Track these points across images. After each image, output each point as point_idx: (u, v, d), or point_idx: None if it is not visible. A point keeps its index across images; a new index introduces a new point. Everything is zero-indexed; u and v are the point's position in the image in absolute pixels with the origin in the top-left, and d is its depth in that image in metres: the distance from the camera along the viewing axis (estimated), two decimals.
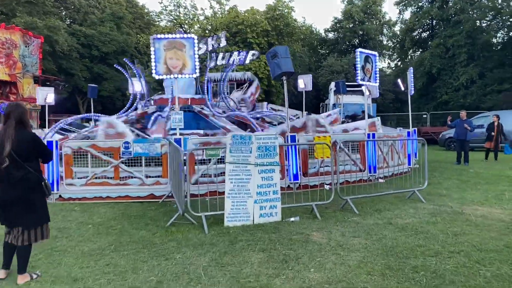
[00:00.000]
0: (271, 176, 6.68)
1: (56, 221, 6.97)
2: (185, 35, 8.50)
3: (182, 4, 47.00)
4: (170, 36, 8.45)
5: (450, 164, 14.86)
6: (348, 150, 10.25)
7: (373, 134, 10.51)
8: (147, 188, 8.50)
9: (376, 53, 10.75)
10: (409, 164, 12.28)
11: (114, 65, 18.59)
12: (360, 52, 10.27)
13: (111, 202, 8.38)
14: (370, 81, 10.52)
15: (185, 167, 8.66)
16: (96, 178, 8.55)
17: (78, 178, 8.86)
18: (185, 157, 8.20)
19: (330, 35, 53.24)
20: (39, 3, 39.64)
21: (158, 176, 8.66)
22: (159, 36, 8.42)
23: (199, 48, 24.71)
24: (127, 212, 7.62)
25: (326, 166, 9.38)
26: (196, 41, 8.46)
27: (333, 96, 27.93)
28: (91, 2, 47.51)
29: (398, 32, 47.72)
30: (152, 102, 16.53)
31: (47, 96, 20.42)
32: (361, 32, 48.52)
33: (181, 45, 8.44)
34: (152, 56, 8.39)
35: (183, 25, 45.70)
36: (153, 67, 8.42)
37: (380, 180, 10.49)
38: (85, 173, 8.69)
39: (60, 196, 8.49)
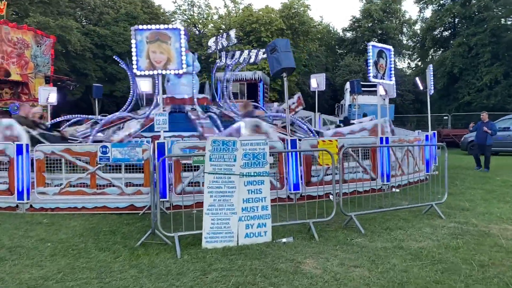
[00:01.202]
0: (259, 189, 5.64)
1: (15, 237, 6.07)
2: (170, 26, 7.52)
3: (196, 3, 46.25)
4: (153, 27, 7.48)
5: (473, 171, 13.59)
6: (358, 155, 9.14)
7: (387, 138, 9.36)
8: (127, 198, 7.55)
9: (391, 47, 9.61)
10: (427, 170, 11.08)
11: (114, 57, 17.66)
12: (373, 46, 9.15)
13: (86, 214, 7.46)
14: (384, 79, 9.38)
15: (169, 174, 7.71)
16: (71, 186, 7.65)
17: (55, 185, 7.97)
18: (170, 162, 7.28)
19: (348, 34, 51.96)
20: (53, 3, 39.32)
21: (140, 185, 7.71)
22: (141, 27, 7.47)
23: (209, 47, 23.85)
24: (99, 226, 6.68)
25: (332, 174, 8.29)
26: (182, 32, 7.47)
27: (349, 97, 26.68)
28: (106, 2, 47.15)
29: (419, 31, 46.18)
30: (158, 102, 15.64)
31: (49, 96, 19.84)
32: (380, 31, 47.04)
33: (166, 37, 7.47)
34: (133, 50, 7.44)
35: (196, 25, 44.97)
36: (135, 62, 7.47)
37: (394, 190, 9.34)
38: (59, 180, 7.80)
39: (31, 206, 7.61)
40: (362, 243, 5.51)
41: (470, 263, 4.71)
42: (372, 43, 9.16)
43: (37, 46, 30.58)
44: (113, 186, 7.62)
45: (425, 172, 10.97)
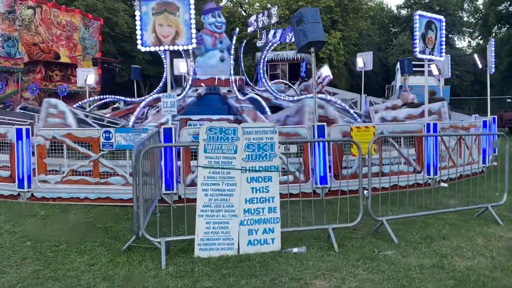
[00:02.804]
0: (266, 187, 4.65)
1: None
2: None
3: None
4: None
5: None
6: (400, 144, 7.91)
7: (435, 125, 8.03)
8: (131, 189, 6.77)
9: (442, 17, 8.20)
10: (483, 162, 9.60)
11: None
12: (420, 15, 7.79)
13: (88, 205, 6.78)
14: (432, 54, 8.03)
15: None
16: (73, 173, 7.01)
17: (63, 172, 7.38)
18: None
19: (403, 12, 49.03)
20: None
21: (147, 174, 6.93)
22: None
23: (249, 25, 22.73)
24: (95, 221, 5.97)
25: (359, 167, 7.12)
26: (192, 1, 6.52)
27: (400, 77, 24.77)
28: None
29: (481, 6, 42.59)
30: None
31: (87, 77, 19.70)
32: (437, 8, 43.84)
33: (174, 7, 6.54)
34: (138, 23, 6.59)
35: (242, 5, 43.89)
36: (139, 37, 6.62)
37: (443, 185, 8.02)
38: (61, 166, 7.20)
39: (32, 194, 7.05)
40: (392, 258, 4.40)
41: None
42: (419, 12, 7.79)
43: (85, 29, 30.75)
44: (117, 175, 6.90)
45: (481, 163, 9.50)
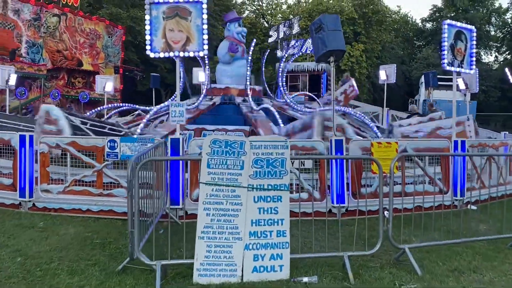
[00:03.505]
0: (275, 207, 4.20)
1: None
2: None
3: None
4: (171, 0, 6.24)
5: None
6: (424, 161, 7.36)
7: (463, 142, 7.44)
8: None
9: (473, 27, 7.67)
10: None
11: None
12: (449, 25, 7.28)
13: (90, 218, 6.43)
14: (462, 67, 7.48)
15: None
16: (76, 184, 6.68)
17: (62, 181, 7.08)
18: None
19: (428, 25, 48.12)
20: None
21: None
22: (157, 0, 6.25)
23: (270, 36, 22.44)
24: (93, 236, 5.60)
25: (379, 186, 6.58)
26: (204, 5, 6.17)
27: (424, 91, 24.07)
28: None
29: (510, 20, 41.51)
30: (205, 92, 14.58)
31: (105, 84, 19.68)
32: (464, 22, 42.81)
33: (186, 12, 6.19)
34: (147, 28, 6.26)
35: (265, 16, 43.76)
36: (148, 42, 6.30)
37: (472, 207, 7.41)
38: (63, 175, 6.90)
39: (33, 204, 6.74)
40: None
41: None
42: (448, 21, 7.28)
43: (108, 37, 31.05)
44: (121, 187, 6.54)
45: None
